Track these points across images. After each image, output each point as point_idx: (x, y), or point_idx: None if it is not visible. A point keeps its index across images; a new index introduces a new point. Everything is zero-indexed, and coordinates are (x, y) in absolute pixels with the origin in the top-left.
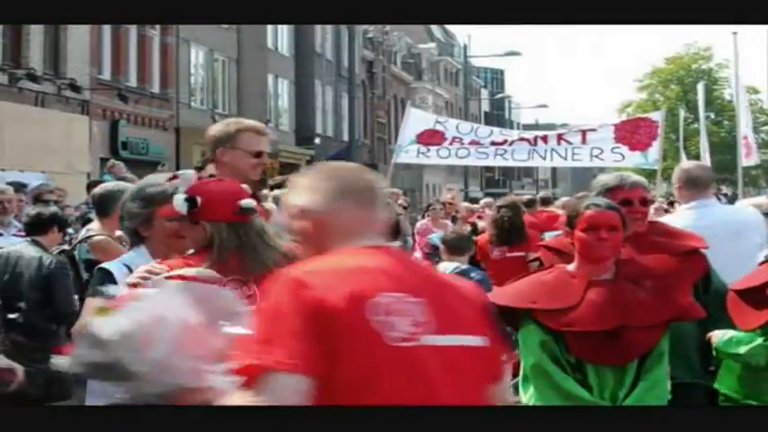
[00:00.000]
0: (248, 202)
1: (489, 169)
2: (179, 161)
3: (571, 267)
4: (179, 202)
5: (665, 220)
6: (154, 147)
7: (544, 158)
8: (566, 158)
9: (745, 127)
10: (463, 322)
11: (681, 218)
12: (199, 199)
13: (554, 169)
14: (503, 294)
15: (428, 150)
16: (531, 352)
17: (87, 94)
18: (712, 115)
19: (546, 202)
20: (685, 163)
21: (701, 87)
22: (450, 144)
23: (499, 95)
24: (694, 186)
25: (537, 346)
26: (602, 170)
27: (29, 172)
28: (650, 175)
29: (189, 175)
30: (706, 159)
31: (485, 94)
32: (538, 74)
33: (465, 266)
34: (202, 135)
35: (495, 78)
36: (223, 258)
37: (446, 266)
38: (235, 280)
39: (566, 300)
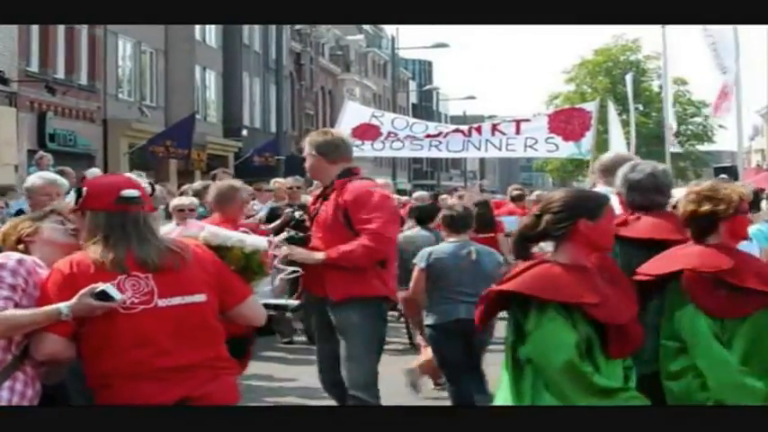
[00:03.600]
0: (130, 191)
1: (417, 161)
2: (107, 153)
3: (563, 258)
4: (71, 194)
5: None
6: (81, 139)
7: (479, 149)
8: (500, 149)
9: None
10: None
11: None
12: (84, 189)
13: (482, 161)
14: (527, 285)
15: (362, 144)
16: (563, 349)
17: (15, 86)
18: (641, 107)
19: (520, 198)
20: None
21: (629, 79)
22: (386, 138)
23: (427, 87)
24: (610, 175)
25: (572, 343)
26: (529, 161)
27: None
28: (582, 164)
29: (94, 172)
30: (632, 151)
31: (413, 85)
32: (466, 65)
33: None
34: (130, 127)
35: (423, 70)
36: (116, 250)
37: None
38: (134, 277)
39: (597, 293)
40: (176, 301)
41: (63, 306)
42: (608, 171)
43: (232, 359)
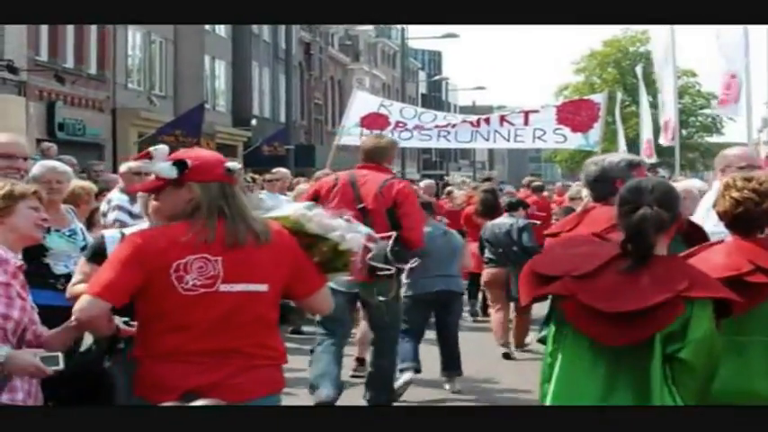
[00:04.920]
0: (233, 164)
1: (426, 151)
2: (116, 142)
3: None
4: (166, 169)
5: None
6: (90, 128)
7: (487, 140)
8: (508, 140)
9: (669, 110)
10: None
11: None
12: (189, 161)
13: (491, 151)
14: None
15: (371, 133)
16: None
17: (24, 75)
18: (650, 98)
19: (540, 189)
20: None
21: (639, 70)
22: (394, 128)
23: (436, 77)
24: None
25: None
26: (538, 151)
27: None
28: (591, 156)
29: (164, 148)
30: (643, 143)
31: (422, 75)
32: (475, 56)
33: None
34: (139, 116)
35: (433, 60)
36: (213, 222)
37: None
38: (203, 258)
39: None
40: (239, 288)
41: (2, 348)
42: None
43: (278, 348)
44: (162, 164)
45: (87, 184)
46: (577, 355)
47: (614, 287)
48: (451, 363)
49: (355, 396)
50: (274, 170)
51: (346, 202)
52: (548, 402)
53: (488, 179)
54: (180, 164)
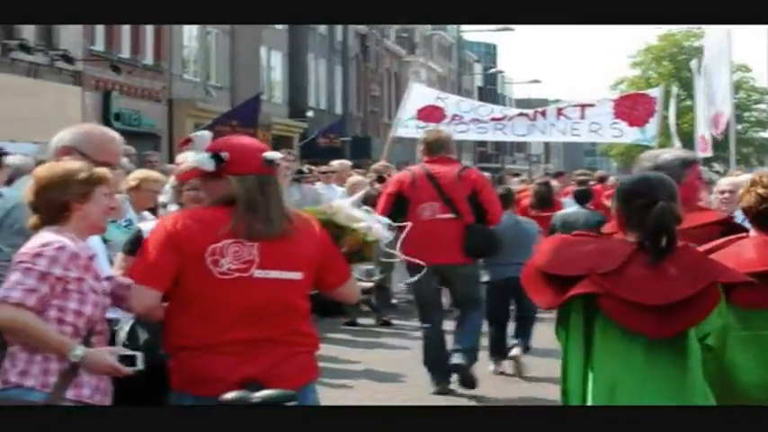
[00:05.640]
0: (272, 153)
1: (482, 144)
2: (171, 133)
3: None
4: (203, 160)
5: None
6: (146, 118)
7: (543, 133)
8: (564, 133)
9: (720, 104)
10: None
11: None
12: (226, 153)
13: (547, 144)
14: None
15: (427, 126)
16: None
17: (80, 65)
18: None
19: (603, 179)
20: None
21: (694, 65)
22: (451, 121)
23: (492, 70)
24: None
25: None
26: (594, 145)
27: (20, 143)
28: (646, 150)
29: (205, 135)
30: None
31: (477, 68)
32: (531, 49)
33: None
34: (195, 107)
35: (488, 53)
36: (249, 212)
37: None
38: (239, 243)
39: None
40: (273, 274)
41: (78, 348)
42: None
43: (312, 334)
44: (200, 155)
45: (158, 174)
46: (611, 349)
47: (647, 280)
48: (524, 334)
49: (362, 395)
50: (333, 162)
51: (430, 195)
52: (589, 399)
53: (559, 173)
54: (216, 157)
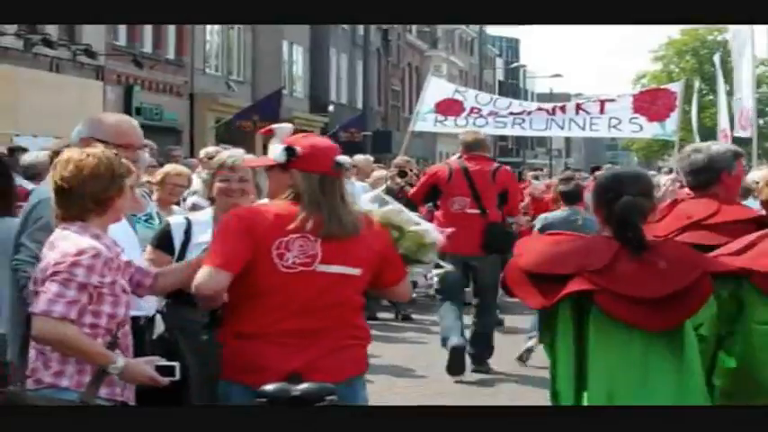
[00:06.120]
0: (343, 158)
1: (503, 138)
2: (193, 127)
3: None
4: (277, 152)
5: None
6: (168, 113)
7: (562, 128)
8: (583, 128)
9: (746, 100)
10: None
11: None
12: (299, 149)
13: (568, 139)
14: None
15: (445, 119)
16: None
17: (102, 59)
18: (728, 87)
19: None
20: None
21: (717, 59)
22: (469, 114)
23: (514, 65)
24: None
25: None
26: (615, 139)
27: (42, 137)
28: (668, 144)
29: (287, 127)
30: (726, 132)
31: (499, 63)
32: (553, 43)
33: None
34: (216, 101)
35: (510, 47)
36: (312, 211)
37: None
38: (305, 237)
39: None
40: (335, 269)
41: (119, 360)
42: None
43: (365, 328)
44: (275, 146)
45: (182, 168)
46: (609, 345)
47: (638, 274)
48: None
49: (381, 388)
50: (357, 157)
51: (463, 190)
52: (587, 396)
53: (567, 167)
54: (290, 150)
